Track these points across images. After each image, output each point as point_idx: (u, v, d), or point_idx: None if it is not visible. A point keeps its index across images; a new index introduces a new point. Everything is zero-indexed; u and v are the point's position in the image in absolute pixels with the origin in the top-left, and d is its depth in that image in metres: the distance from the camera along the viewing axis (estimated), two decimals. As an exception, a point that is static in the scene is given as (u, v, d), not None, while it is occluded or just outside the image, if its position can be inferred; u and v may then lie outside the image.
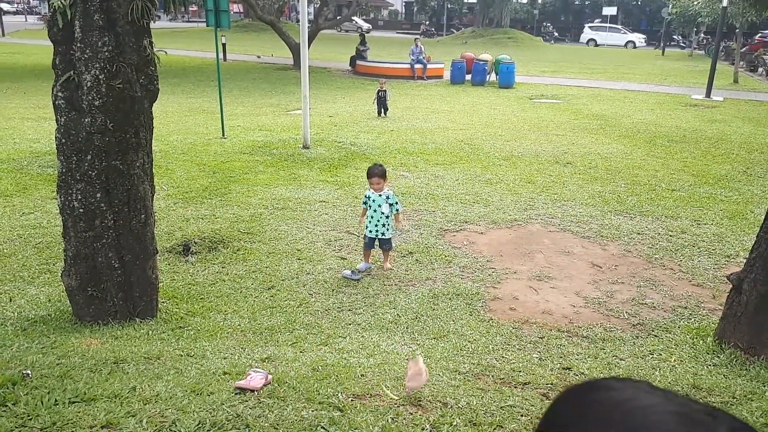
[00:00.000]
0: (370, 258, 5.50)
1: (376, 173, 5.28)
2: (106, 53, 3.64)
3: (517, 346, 4.06)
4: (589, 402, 0.68)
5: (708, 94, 17.35)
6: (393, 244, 5.56)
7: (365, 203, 5.44)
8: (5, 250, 5.53)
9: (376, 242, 5.43)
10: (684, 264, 5.68)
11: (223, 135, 10.74)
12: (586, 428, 0.65)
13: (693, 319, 4.59)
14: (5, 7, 50.18)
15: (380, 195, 5.30)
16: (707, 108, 15.70)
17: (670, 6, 33.79)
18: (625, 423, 0.64)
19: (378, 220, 5.32)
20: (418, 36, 25.36)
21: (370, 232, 5.34)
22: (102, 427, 2.48)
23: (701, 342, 4.13)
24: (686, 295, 5.03)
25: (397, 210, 5.39)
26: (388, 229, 5.35)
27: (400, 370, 3.49)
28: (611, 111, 14.87)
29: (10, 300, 4.57)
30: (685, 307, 4.80)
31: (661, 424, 0.62)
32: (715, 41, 19.33)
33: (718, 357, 3.89)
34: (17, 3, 59.91)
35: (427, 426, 2.66)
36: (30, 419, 2.51)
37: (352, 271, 5.30)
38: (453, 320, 4.53)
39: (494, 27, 47.08)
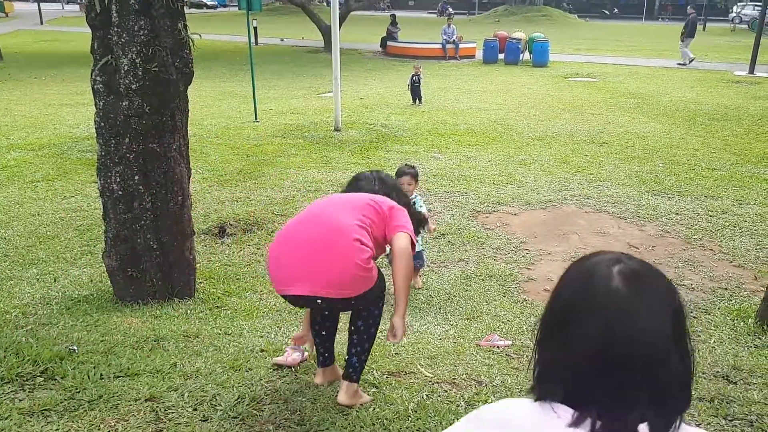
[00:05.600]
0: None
1: (408, 173, 4.50)
2: (143, 37, 3.69)
3: (552, 327, 4.03)
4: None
5: (751, 70, 16.74)
6: (425, 259, 4.86)
7: None
8: (48, 233, 5.71)
9: None
10: (724, 245, 5.54)
11: (256, 118, 10.83)
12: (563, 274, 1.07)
13: (734, 301, 4.48)
14: None
15: None
16: (750, 84, 15.17)
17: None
18: (578, 262, 1.06)
19: None
20: (451, 15, 24.97)
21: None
22: (146, 400, 2.56)
23: (742, 323, 4.04)
24: (727, 276, 4.92)
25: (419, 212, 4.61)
26: (418, 241, 4.55)
27: (434, 349, 3.51)
28: (649, 89, 14.49)
29: (55, 280, 4.73)
30: (726, 289, 4.70)
31: (598, 263, 1.02)
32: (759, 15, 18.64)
33: (760, 338, 3.80)
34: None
35: (462, 403, 2.67)
36: (78, 392, 2.61)
37: None
38: (486, 301, 4.52)
39: (527, 4, 46.13)
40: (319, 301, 2.29)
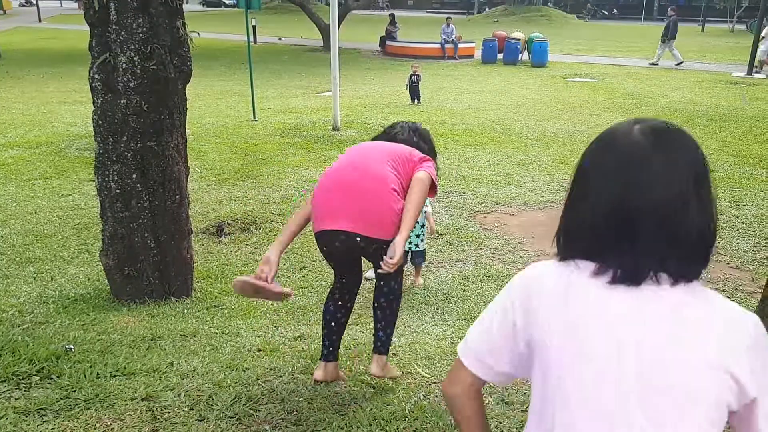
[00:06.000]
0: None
1: None
2: (141, 35, 3.69)
3: (549, 327, 4.03)
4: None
5: (750, 72, 16.78)
6: (426, 257, 4.89)
7: None
8: (46, 231, 5.69)
9: (408, 255, 4.63)
10: (722, 246, 5.54)
11: (254, 117, 10.82)
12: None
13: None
14: None
15: None
16: (749, 86, 15.19)
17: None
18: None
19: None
20: (449, 15, 24.96)
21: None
22: (142, 400, 2.56)
23: (739, 325, 4.03)
24: (724, 278, 4.92)
25: (425, 211, 4.51)
26: (422, 240, 4.64)
27: (431, 349, 3.51)
28: (648, 90, 14.50)
29: (52, 279, 4.72)
30: (723, 290, 4.69)
31: (619, 124, 1.12)
32: (758, 16, 18.69)
33: (757, 340, 3.80)
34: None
35: (459, 404, 2.67)
36: (74, 391, 2.60)
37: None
38: (484, 302, 4.52)
39: (526, 4, 46.14)
40: (358, 239, 2.45)
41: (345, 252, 2.57)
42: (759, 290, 4.44)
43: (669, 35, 18.73)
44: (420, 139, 2.85)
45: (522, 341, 1.12)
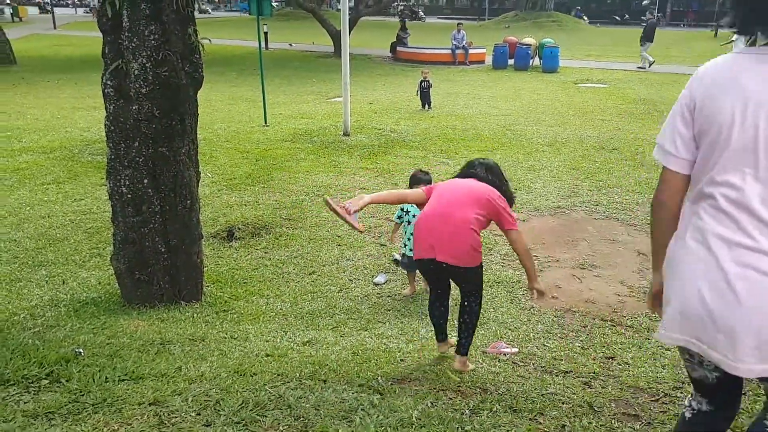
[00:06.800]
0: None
1: (424, 180, 4.44)
2: (153, 42, 3.72)
3: (559, 335, 4.00)
4: None
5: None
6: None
7: (400, 218, 4.75)
8: (58, 235, 5.75)
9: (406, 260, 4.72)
10: None
11: (266, 123, 10.87)
12: None
13: (744, 310, 4.42)
14: None
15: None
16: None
17: (724, -15, 32.52)
18: None
19: None
20: (460, 21, 25.02)
21: (411, 251, 4.36)
22: (150, 404, 2.56)
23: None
24: None
25: None
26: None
27: (440, 355, 3.49)
28: (660, 95, 14.40)
29: (63, 282, 4.75)
30: None
31: None
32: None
33: None
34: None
35: (467, 411, 2.65)
36: (82, 395, 2.61)
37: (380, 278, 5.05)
38: (493, 308, 4.50)
39: (537, 10, 46.05)
40: (444, 265, 3.14)
41: (436, 273, 3.30)
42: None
43: (646, 38, 18.86)
44: (492, 176, 3.45)
45: (694, 126, 1.60)
